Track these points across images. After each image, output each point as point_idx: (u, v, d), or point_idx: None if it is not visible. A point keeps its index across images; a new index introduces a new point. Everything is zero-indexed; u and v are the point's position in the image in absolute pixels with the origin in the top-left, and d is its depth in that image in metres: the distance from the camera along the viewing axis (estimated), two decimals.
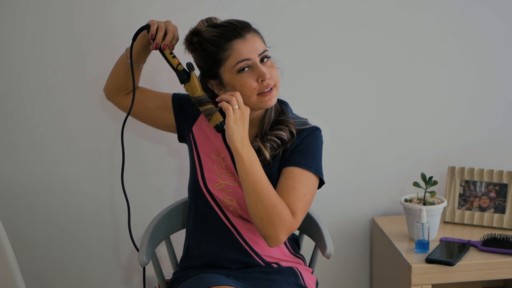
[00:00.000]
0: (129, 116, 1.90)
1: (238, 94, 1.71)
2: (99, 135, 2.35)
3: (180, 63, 1.79)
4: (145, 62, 1.93)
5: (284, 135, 1.81)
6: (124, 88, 1.97)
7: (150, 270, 2.41)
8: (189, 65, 1.77)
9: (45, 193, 2.37)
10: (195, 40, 1.76)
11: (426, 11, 2.41)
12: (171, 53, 1.80)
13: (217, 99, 1.73)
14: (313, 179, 1.80)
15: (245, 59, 1.72)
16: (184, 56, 1.82)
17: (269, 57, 1.77)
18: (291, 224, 1.73)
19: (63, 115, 2.33)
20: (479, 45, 2.45)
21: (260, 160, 1.75)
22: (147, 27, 1.81)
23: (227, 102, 1.69)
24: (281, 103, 1.89)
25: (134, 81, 1.88)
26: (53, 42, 2.27)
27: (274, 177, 1.81)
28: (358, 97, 2.44)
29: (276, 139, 1.80)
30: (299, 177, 1.77)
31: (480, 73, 2.48)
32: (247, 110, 1.71)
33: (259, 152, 1.78)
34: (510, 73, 2.49)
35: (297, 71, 2.35)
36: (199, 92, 1.77)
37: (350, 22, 2.38)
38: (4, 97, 2.30)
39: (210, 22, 1.79)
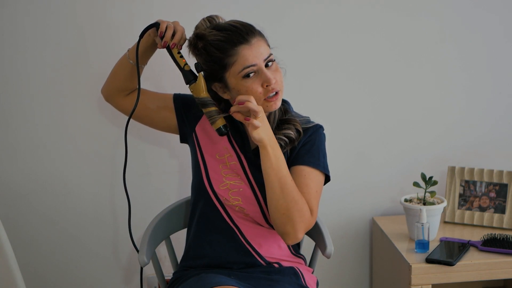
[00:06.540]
0: (130, 118, 1.89)
1: (253, 98, 1.70)
2: (99, 136, 2.35)
3: (186, 63, 1.79)
4: (146, 64, 1.93)
5: (292, 133, 1.82)
6: (123, 89, 1.96)
7: (150, 270, 2.41)
8: (198, 65, 1.77)
9: (45, 193, 2.37)
10: (200, 45, 1.76)
11: (425, 13, 2.40)
12: (179, 52, 1.80)
13: (231, 109, 1.71)
14: (321, 177, 1.83)
15: (251, 65, 1.72)
16: (188, 59, 1.82)
17: (274, 60, 1.77)
18: (309, 221, 1.76)
19: (63, 115, 2.33)
20: (480, 44, 2.45)
21: None
22: (156, 25, 1.81)
23: (254, 113, 1.67)
24: (283, 102, 1.89)
25: (139, 79, 1.87)
26: (54, 41, 2.27)
27: None
28: (358, 97, 2.44)
29: (284, 138, 1.81)
30: (309, 175, 1.80)
31: (480, 73, 2.47)
32: (262, 109, 1.71)
33: None
34: (511, 73, 2.49)
35: (299, 71, 2.35)
36: (204, 93, 1.77)
37: (351, 24, 2.38)
38: (4, 97, 2.30)
39: (212, 22, 1.78)
